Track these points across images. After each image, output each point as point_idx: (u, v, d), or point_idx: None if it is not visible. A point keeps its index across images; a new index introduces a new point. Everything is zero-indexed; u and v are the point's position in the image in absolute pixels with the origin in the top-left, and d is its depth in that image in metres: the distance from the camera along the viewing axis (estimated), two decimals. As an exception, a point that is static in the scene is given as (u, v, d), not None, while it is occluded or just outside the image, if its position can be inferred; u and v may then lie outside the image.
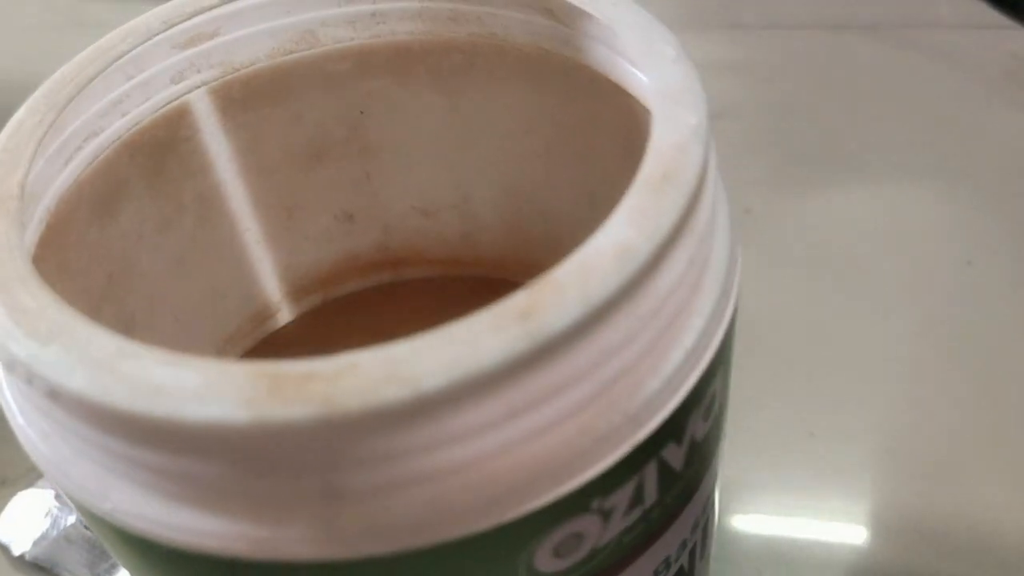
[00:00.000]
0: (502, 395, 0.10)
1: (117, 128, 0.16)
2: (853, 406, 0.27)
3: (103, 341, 0.11)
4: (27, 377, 0.11)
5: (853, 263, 0.31)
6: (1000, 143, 0.34)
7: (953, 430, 0.26)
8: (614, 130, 0.18)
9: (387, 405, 0.10)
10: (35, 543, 0.26)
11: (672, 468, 0.13)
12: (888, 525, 0.24)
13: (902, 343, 0.28)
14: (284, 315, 0.22)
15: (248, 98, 0.18)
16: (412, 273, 0.23)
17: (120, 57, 0.15)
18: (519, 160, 0.20)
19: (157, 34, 0.16)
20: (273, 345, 0.22)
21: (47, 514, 0.26)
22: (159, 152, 0.18)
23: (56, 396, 0.11)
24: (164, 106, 0.17)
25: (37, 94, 0.14)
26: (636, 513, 0.13)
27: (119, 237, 0.18)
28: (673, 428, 0.12)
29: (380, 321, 0.22)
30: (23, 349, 0.11)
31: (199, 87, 0.17)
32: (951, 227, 0.32)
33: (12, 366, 0.11)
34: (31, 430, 0.12)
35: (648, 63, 0.14)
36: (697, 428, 0.13)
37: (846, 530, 0.24)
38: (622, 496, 0.12)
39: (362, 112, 0.20)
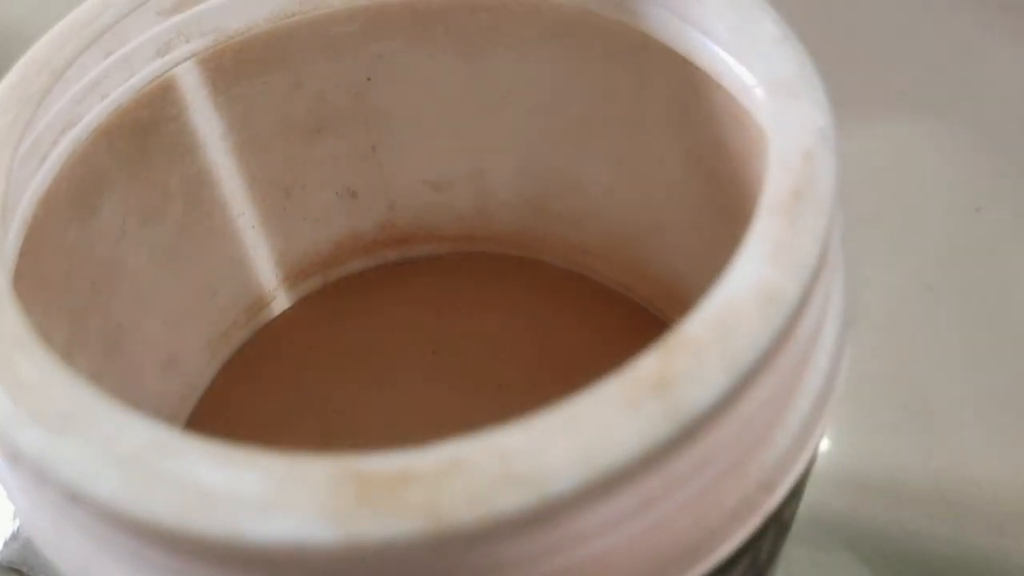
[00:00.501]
0: (636, 486, 0.08)
1: (97, 114, 0.14)
2: (856, 359, 0.26)
3: (134, 429, 0.09)
4: (37, 475, 0.09)
5: (856, 211, 0.29)
6: (1009, 83, 0.33)
7: (963, 383, 0.25)
8: (666, 101, 0.16)
9: (505, 514, 0.08)
10: (6, 544, 0.24)
11: (785, 522, 0.11)
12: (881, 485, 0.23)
13: (908, 294, 0.27)
14: (281, 302, 0.20)
15: (241, 67, 0.16)
16: (420, 251, 0.21)
17: (101, 34, 0.13)
18: (547, 131, 0.18)
19: (141, 1, 0.13)
20: (271, 336, 0.20)
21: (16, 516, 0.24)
22: (141, 135, 0.15)
23: (77, 500, 0.09)
24: (148, 84, 0.15)
25: (4, 86, 0.12)
26: (751, 572, 0.11)
27: (101, 236, 0.15)
28: (800, 483, 0.11)
29: (386, 303, 0.20)
30: (30, 440, 0.09)
31: (187, 59, 0.15)
32: (959, 172, 0.30)
33: (16, 459, 0.09)
34: (40, 519, 0.10)
35: (741, 44, 0.12)
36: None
37: (827, 486, 0.23)
38: (743, 565, 0.10)
39: (369, 79, 0.17)
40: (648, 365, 0.09)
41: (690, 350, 0.09)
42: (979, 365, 0.26)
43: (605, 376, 0.17)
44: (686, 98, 0.15)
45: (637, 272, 0.19)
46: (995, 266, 0.28)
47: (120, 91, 0.14)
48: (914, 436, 0.25)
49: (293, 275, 0.20)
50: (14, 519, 0.24)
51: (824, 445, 0.24)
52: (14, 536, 0.24)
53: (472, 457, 0.08)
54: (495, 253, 0.20)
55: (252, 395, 0.19)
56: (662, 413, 0.08)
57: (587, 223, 0.19)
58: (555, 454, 0.08)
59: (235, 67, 0.16)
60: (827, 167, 0.10)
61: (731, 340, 0.09)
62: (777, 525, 0.11)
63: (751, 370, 0.09)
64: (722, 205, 0.16)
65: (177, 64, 0.15)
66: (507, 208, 0.19)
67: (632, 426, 0.08)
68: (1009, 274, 0.28)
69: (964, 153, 0.31)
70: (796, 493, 0.11)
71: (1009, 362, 0.25)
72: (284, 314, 0.20)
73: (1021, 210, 0.29)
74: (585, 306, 0.20)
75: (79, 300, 0.15)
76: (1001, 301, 0.27)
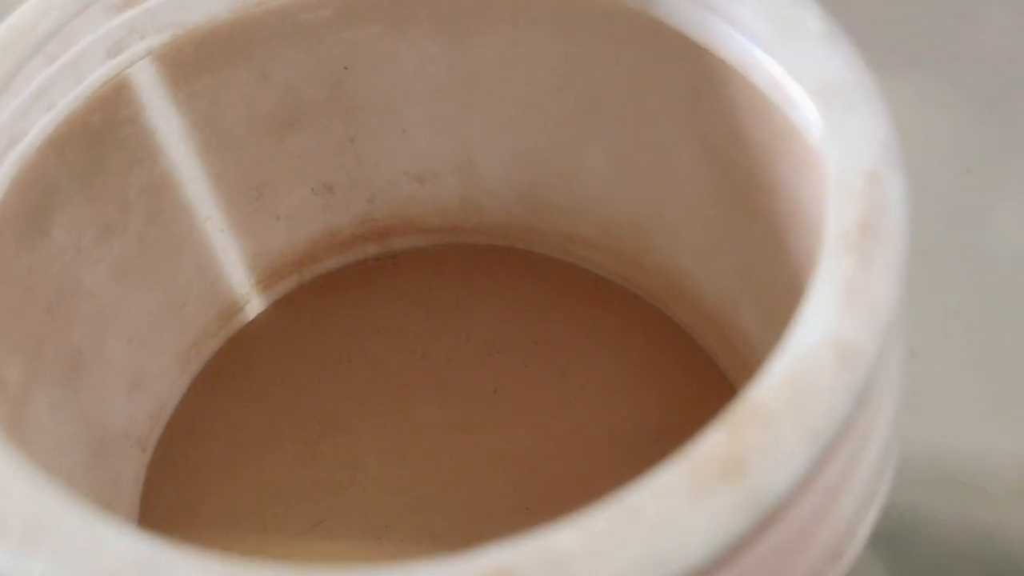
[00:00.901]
0: (707, 584, 0.07)
1: (44, 125, 0.12)
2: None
3: (116, 542, 0.07)
4: (4, 600, 0.07)
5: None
6: (1000, 41, 0.32)
7: (955, 348, 0.24)
8: (676, 88, 0.14)
9: (566, 634, 0.07)
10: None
11: None
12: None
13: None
14: (254, 306, 0.18)
15: (203, 62, 0.14)
16: (401, 244, 0.19)
17: (44, 39, 0.11)
18: (542, 120, 0.16)
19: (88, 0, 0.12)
20: (245, 343, 0.18)
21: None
22: (94, 143, 0.14)
23: (54, 627, 0.07)
24: (99, 87, 0.13)
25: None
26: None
27: (54, 256, 0.14)
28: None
29: (368, 302, 0.19)
30: (-7, 559, 0.07)
31: (142, 57, 0.13)
32: (948, 133, 0.29)
33: (-23, 578, 0.07)
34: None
35: (779, 41, 0.11)
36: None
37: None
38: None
39: (346, 67, 0.16)
40: (715, 443, 0.08)
41: (762, 422, 0.08)
42: (971, 329, 0.25)
43: (605, 373, 0.16)
44: (699, 86, 0.14)
45: (636, 263, 0.18)
46: (985, 229, 0.27)
47: (69, 99, 0.12)
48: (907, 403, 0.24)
49: (267, 277, 0.18)
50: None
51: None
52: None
53: (522, 565, 0.07)
54: (482, 244, 0.19)
55: (227, 409, 0.18)
56: (736, 503, 0.07)
57: (583, 213, 0.18)
58: (617, 559, 0.07)
59: (196, 62, 0.14)
60: (896, 191, 0.09)
61: (807, 408, 0.08)
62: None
63: (831, 441, 0.08)
64: (736, 198, 0.15)
65: (131, 64, 0.13)
66: (496, 199, 0.18)
67: (703, 522, 0.07)
68: (1000, 236, 0.27)
69: (953, 115, 0.30)
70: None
71: (1001, 325, 0.25)
72: (258, 319, 0.18)
73: (1010, 172, 0.29)
74: (580, 298, 0.19)
75: (34, 330, 0.13)
76: (992, 264, 0.26)
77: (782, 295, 0.15)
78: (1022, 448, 0.23)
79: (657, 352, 0.18)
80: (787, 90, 0.12)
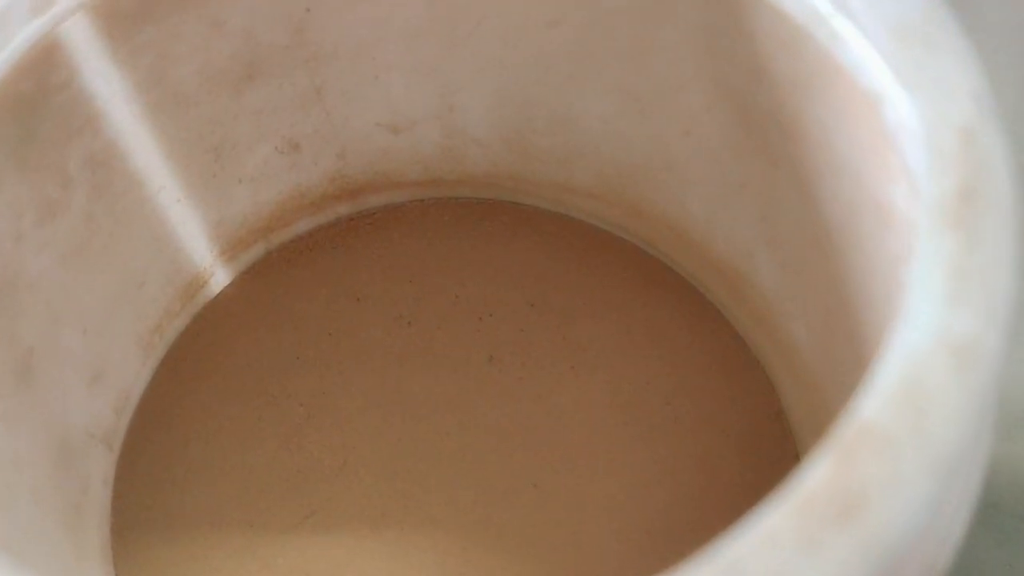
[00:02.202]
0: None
1: (-38, 101, 0.10)
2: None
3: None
4: None
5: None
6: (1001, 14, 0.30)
7: None
8: (690, 21, 0.13)
9: None
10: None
11: None
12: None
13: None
14: (219, 280, 0.17)
15: (146, 10, 0.12)
16: (376, 201, 0.17)
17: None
18: (533, 58, 0.14)
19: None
20: (212, 321, 0.17)
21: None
22: (26, 113, 0.12)
23: None
24: (26, 50, 0.11)
25: None
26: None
27: (-11, 248, 0.12)
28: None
29: (342, 266, 0.17)
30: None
31: (74, 12, 0.11)
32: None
33: None
34: None
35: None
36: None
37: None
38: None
39: (309, 9, 0.14)
40: (823, 475, 0.06)
41: (876, 447, 0.06)
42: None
43: (607, 332, 0.15)
44: (717, 18, 0.12)
45: (637, 212, 0.16)
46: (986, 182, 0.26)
47: (-9, 66, 0.10)
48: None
49: (231, 247, 0.16)
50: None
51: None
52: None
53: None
54: (466, 198, 0.18)
55: (199, 396, 0.16)
56: (853, 550, 0.06)
57: (578, 161, 0.16)
58: (724, 633, 0.06)
59: (137, 11, 0.12)
60: (996, 150, 0.08)
61: (927, 426, 0.06)
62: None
63: (956, 461, 0.06)
64: (757, 144, 0.13)
65: (62, 20, 0.11)
66: (480, 147, 0.16)
67: (812, 572, 0.06)
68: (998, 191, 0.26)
69: None
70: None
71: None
72: (225, 292, 0.17)
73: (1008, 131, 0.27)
74: (576, 252, 0.17)
75: (-26, 333, 0.12)
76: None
77: (808, 249, 0.14)
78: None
79: (661, 307, 0.17)
80: (833, 23, 0.10)
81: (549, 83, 0.15)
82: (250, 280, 0.17)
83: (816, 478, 0.06)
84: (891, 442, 0.06)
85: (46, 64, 0.11)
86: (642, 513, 0.14)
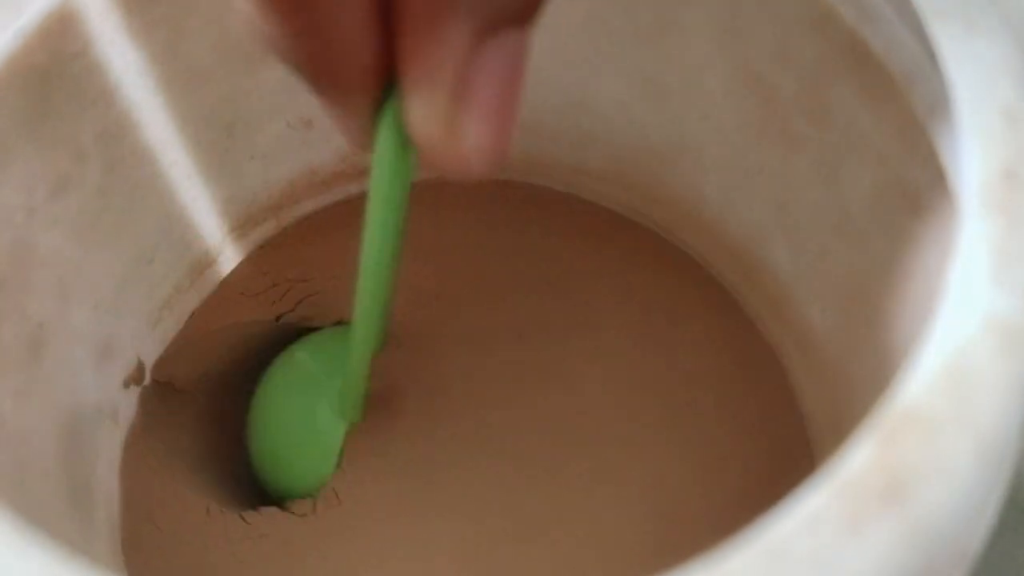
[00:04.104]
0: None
1: (-21, 70, 0.10)
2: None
3: None
4: None
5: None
6: None
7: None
8: (710, 3, 0.13)
9: None
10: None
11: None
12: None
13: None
14: (230, 256, 0.16)
15: (162, -18, 0.12)
16: (387, 180, 0.17)
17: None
18: (545, 37, 0.14)
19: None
20: (223, 298, 0.16)
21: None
22: (40, 84, 0.12)
23: None
24: (41, 21, 0.11)
25: None
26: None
27: (3, 221, 0.12)
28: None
29: (351, 245, 0.17)
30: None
31: (92, -19, 0.11)
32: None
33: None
34: None
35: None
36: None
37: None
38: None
39: (325, -16, 0.13)
40: (867, 458, 0.06)
41: (921, 430, 0.06)
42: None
43: (625, 312, 0.14)
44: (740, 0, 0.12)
45: (650, 195, 0.16)
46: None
47: (7, 37, 0.10)
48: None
49: (241, 224, 0.16)
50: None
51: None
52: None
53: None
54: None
55: (207, 372, 0.16)
56: (897, 532, 0.06)
57: (592, 144, 0.16)
58: (770, 613, 0.06)
59: (153, -18, 0.12)
60: (1039, 130, 0.07)
61: (972, 409, 0.06)
62: None
63: (1003, 445, 0.06)
64: (777, 128, 0.13)
65: (79, -11, 0.11)
66: (493, 127, 0.16)
67: (861, 562, 0.06)
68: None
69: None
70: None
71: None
72: (236, 270, 0.17)
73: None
74: (589, 233, 0.17)
75: (-14, 307, 0.12)
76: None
77: (827, 234, 0.13)
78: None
79: (675, 289, 0.16)
80: (862, 3, 0.10)
81: (562, 62, 0.15)
82: (260, 258, 0.17)
83: (859, 460, 0.06)
84: (936, 425, 0.06)
85: (61, 33, 0.11)
86: (657, 494, 0.14)
